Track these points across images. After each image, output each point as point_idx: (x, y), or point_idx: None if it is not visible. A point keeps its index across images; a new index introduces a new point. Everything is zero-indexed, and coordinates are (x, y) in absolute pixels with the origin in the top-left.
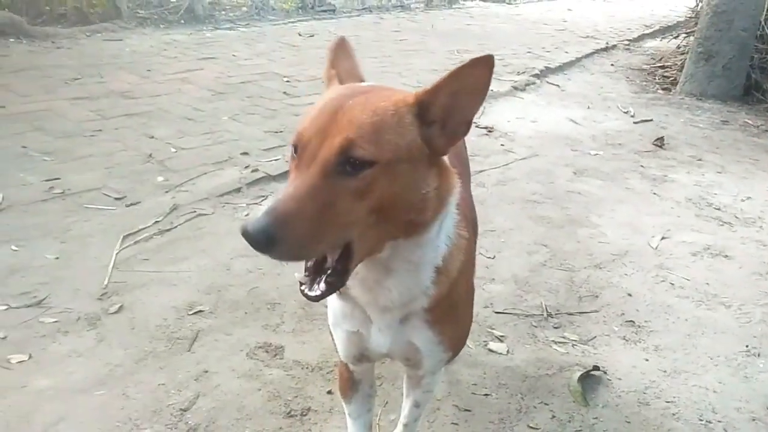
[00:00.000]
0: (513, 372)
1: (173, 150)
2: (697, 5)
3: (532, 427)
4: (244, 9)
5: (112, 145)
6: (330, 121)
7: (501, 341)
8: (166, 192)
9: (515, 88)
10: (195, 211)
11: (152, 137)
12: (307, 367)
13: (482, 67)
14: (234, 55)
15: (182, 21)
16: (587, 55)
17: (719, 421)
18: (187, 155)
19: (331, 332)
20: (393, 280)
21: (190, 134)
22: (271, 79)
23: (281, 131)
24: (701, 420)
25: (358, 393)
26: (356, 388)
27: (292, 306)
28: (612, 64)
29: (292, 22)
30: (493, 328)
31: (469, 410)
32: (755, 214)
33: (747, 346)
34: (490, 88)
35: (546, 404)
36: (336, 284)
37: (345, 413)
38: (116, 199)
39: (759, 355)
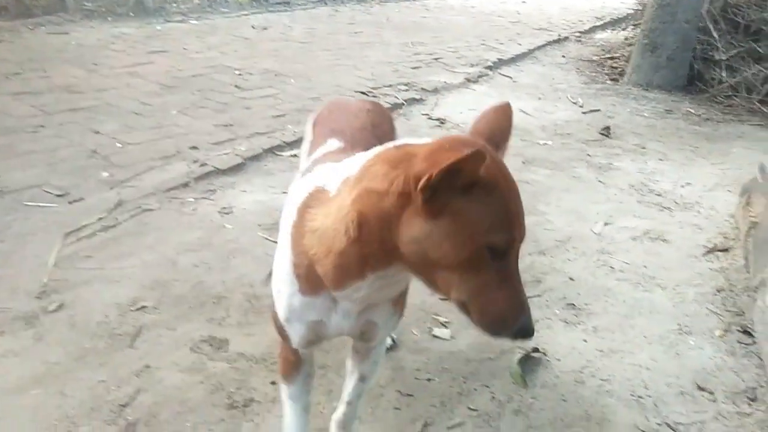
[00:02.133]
0: (456, 357)
1: (119, 145)
2: None
3: (471, 409)
4: (196, 1)
5: (55, 141)
6: (521, 222)
7: (446, 327)
8: (111, 188)
9: (468, 80)
10: (140, 207)
11: (97, 132)
12: (251, 359)
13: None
14: (185, 49)
15: (131, 14)
16: (540, 47)
17: (650, 396)
18: (133, 150)
19: (280, 326)
20: (394, 288)
21: (137, 129)
22: (223, 73)
23: (231, 125)
24: (633, 396)
25: (299, 374)
26: (299, 369)
27: (239, 299)
28: (563, 56)
29: (246, 15)
30: (438, 315)
31: (411, 395)
32: (693, 199)
33: (679, 325)
34: (443, 80)
35: (487, 386)
36: None
37: (284, 398)
38: (58, 196)
39: (690, 333)
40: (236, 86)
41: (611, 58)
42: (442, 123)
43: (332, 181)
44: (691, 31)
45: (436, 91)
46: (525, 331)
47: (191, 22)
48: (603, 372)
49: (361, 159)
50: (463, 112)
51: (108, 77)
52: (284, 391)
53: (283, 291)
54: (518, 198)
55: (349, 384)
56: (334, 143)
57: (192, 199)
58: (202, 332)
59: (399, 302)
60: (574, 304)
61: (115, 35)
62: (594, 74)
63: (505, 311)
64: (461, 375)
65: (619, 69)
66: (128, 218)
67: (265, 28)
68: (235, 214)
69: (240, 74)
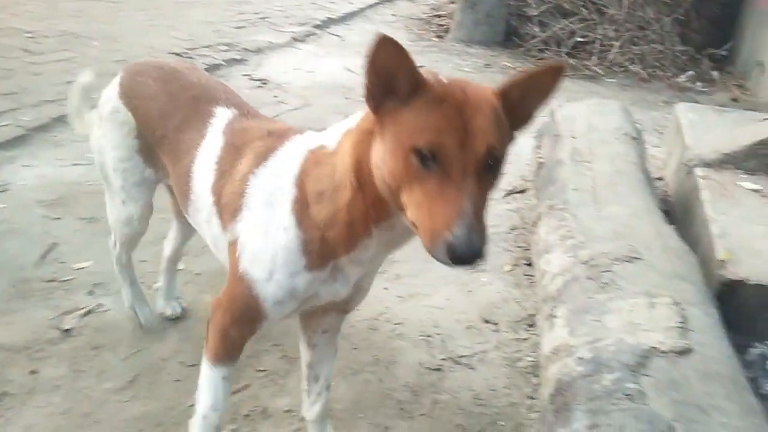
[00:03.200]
0: None
1: None
2: None
3: (259, 370)
4: None
5: None
6: (464, 130)
7: None
8: None
9: (295, 39)
10: None
11: None
12: (11, 350)
13: (554, 74)
14: None
15: None
16: (371, 6)
17: (438, 334)
18: None
19: (251, 306)
20: (405, 240)
21: None
22: (10, 35)
23: (16, 93)
24: (422, 335)
25: (239, 355)
26: (241, 349)
27: (2, 286)
28: (393, 14)
29: None
30: None
31: (194, 365)
32: None
33: None
34: (268, 40)
35: (277, 345)
36: None
37: (216, 379)
38: None
39: (484, 271)
40: (25, 50)
41: (438, 16)
42: (264, 83)
43: (331, 137)
44: None
45: (259, 51)
46: (457, 249)
47: None
48: (398, 317)
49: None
50: (287, 72)
51: None
52: (218, 373)
53: (281, 273)
54: (468, 112)
55: (323, 369)
56: (223, 111)
57: None
58: None
59: None
60: None
61: None
62: (422, 32)
63: (437, 226)
64: (253, 338)
65: (445, 26)
66: None
67: None
68: (12, 192)
69: (32, 37)
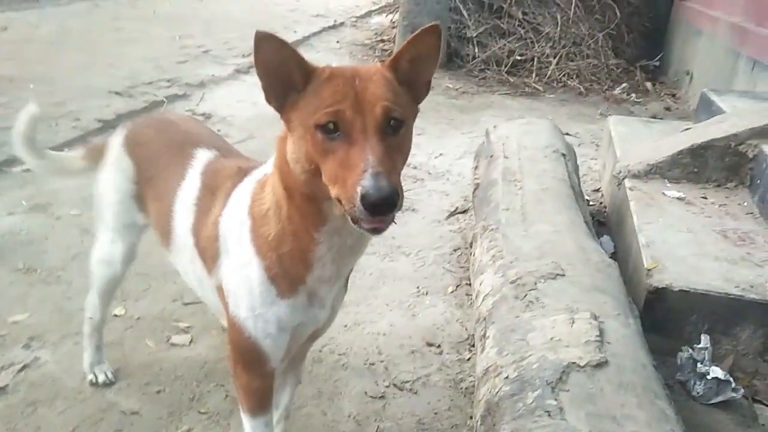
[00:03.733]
0: (192, 361)
1: None
2: None
3: (202, 412)
4: None
5: None
6: (357, 98)
7: (186, 332)
8: None
9: (238, 71)
10: None
11: None
12: None
13: (431, 35)
14: None
15: None
16: (315, 34)
17: (382, 362)
18: None
19: (253, 351)
20: (362, 242)
21: None
22: None
23: None
24: (366, 364)
25: (271, 401)
26: (271, 395)
27: None
28: (338, 41)
29: None
30: (179, 321)
31: (136, 412)
32: (444, 168)
33: (418, 288)
34: (210, 73)
35: (221, 385)
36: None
37: (261, 427)
38: None
39: (427, 294)
40: None
41: (382, 41)
42: (208, 118)
43: (268, 165)
44: (444, 11)
45: (202, 84)
46: (370, 195)
47: None
48: (342, 346)
49: None
50: (231, 104)
51: None
52: (260, 422)
53: (261, 306)
54: (360, 83)
55: (285, 396)
56: (203, 152)
57: None
58: None
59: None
60: None
61: None
62: (366, 58)
63: (349, 185)
64: (195, 380)
65: (389, 51)
66: None
67: (4, 29)
68: None
69: None
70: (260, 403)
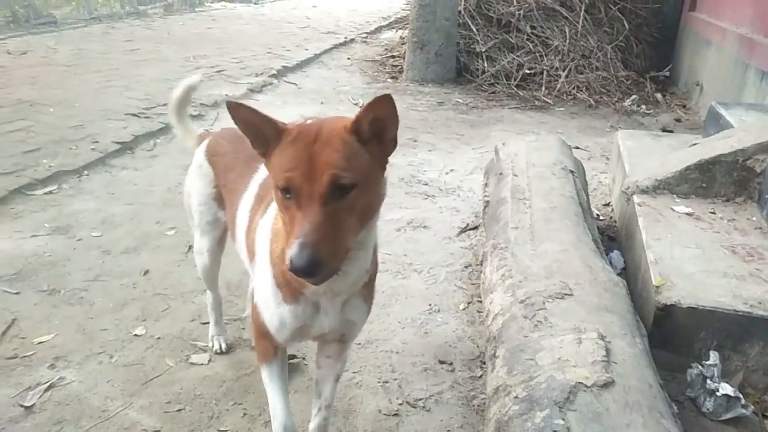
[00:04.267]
0: (211, 380)
1: None
2: None
3: (221, 430)
4: None
5: None
6: (310, 165)
7: (204, 351)
8: None
9: (251, 90)
10: None
11: None
12: None
13: (386, 102)
14: None
15: None
16: (326, 51)
17: (395, 379)
18: None
19: (263, 325)
20: (354, 266)
21: None
22: None
23: None
24: (380, 381)
25: (277, 356)
26: (277, 352)
27: None
28: (349, 58)
29: (1, 39)
30: (198, 340)
31: (158, 431)
32: (455, 184)
33: (430, 305)
34: (224, 93)
35: (239, 404)
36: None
37: (266, 380)
38: None
39: (439, 311)
40: None
41: (392, 57)
42: None
43: None
44: (452, 28)
45: (216, 105)
46: (293, 262)
47: None
48: (356, 364)
49: None
50: None
51: None
52: (265, 373)
53: (271, 303)
54: (317, 148)
55: (324, 389)
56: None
57: None
58: None
59: (369, 295)
60: None
61: None
62: (376, 74)
63: (286, 245)
64: (214, 398)
65: (399, 67)
66: None
67: (24, 53)
68: None
69: None
70: (264, 356)
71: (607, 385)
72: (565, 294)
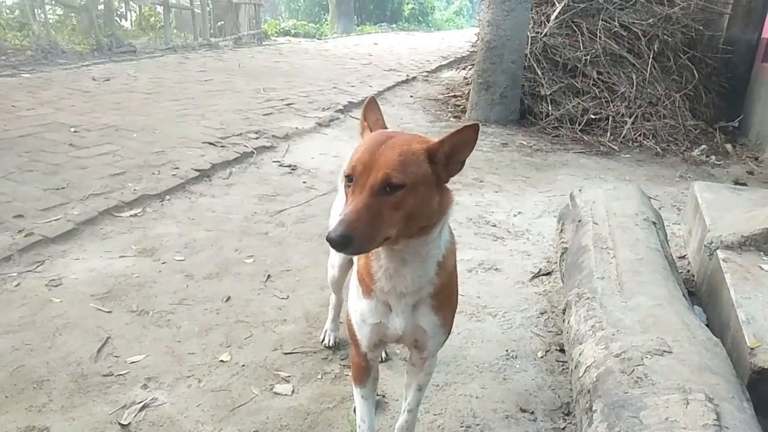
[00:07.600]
0: (296, 411)
1: None
2: (477, 40)
3: None
4: (29, 53)
5: None
6: (372, 160)
7: (287, 382)
8: None
9: (320, 124)
10: None
11: None
12: None
13: (470, 131)
14: (13, 106)
15: None
16: (389, 88)
17: (477, 425)
18: None
19: (353, 332)
20: (407, 269)
21: None
22: (56, 131)
23: (63, 187)
24: (462, 426)
25: (369, 377)
26: (369, 373)
27: (63, 381)
28: (411, 96)
29: (86, 66)
30: (280, 370)
31: None
32: (524, 227)
33: (507, 351)
34: (294, 126)
35: None
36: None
37: (357, 397)
38: None
39: (516, 357)
40: (71, 145)
41: (454, 96)
42: (294, 169)
43: None
44: (518, 70)
45: (287, 137)
46: (329, 234)
47: (23, 75)
48: (436, 407)
49: None
50: (314, 157)
51: None
52: (357, 392)
53: (354, 297)
54: (371, 149)
55: (409, 394)
56: None
57: (15, 274)
58: (18, 423)
59: (439, 308)
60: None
61: None
62: (439, 112)
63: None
64: (300, 429)
65: (462, 107)
66: None
67: (107, 80)
68: (64, 286)
69: (76, 131)
70: (357, 375)
71: None
72: (664, 351)
